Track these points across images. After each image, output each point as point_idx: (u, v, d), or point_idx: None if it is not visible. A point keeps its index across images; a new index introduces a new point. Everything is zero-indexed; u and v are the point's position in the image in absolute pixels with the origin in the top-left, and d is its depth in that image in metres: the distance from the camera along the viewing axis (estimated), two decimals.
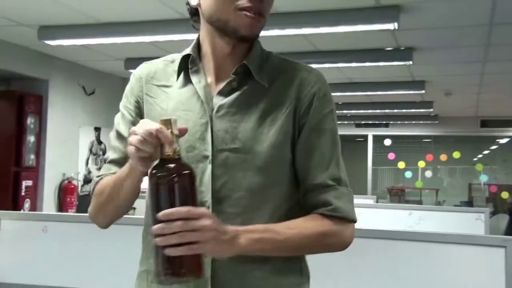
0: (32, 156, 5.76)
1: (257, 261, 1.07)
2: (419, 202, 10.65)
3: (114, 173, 1.17)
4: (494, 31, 4.50)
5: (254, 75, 1.14)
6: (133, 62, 5.93)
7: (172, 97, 1.16)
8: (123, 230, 1.80)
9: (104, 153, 6.81)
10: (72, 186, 6.09)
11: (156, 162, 0.96)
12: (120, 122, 1.22)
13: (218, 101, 1.13)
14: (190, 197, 0.93)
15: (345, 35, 4.45)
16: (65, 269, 2.35)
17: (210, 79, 1.17)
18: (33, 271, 2.39)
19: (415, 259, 1.99)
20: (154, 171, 0.94)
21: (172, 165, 0.93)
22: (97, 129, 6.67)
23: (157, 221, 0.91)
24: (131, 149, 0.97)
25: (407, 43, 5.02)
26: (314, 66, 1.22)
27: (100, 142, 6.73)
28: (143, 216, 1.20)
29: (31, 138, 5.75)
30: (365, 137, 11.12)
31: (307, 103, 1.13)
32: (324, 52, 5.34)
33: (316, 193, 1.11)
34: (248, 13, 1.09)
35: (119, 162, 1.18)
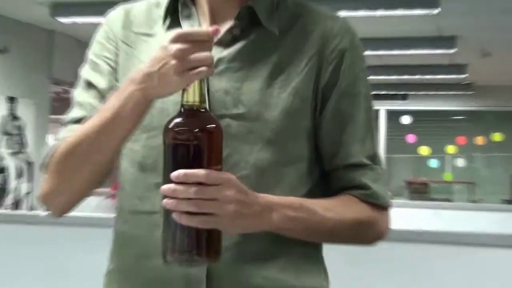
0: None
1: (261, 259, 1.12)
2: (448, 201, 10.82)
3: None
4: None
5: (262, 20, 1.17)
6: (62, 7, 5.87)
7: (154, 48, 1.15)
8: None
9: (20, 131, 6.77)
10: None
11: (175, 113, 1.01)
12: (90, 72, 1.24)
13: (216, 53, 1.14)
14: (213, 159, 0.99)
15: None
16: None
17: (205, 26, 1.19)
18: None
19: (447, 266, 2.04)
20: (173, 122, 0.99)
21: (195, 118, 0.99)
22: (12, 99, 6.60)
23: (170, 182, 0.96)
24: (178, 54, 0.98)
25: None
26: None
27: (15, 118, 6.67)
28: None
29: None
30: (376, 113, 11.19)
31: (336, 61, 1.17)
32: None
33: (349, 172, 1.18)
34: None
35: None
